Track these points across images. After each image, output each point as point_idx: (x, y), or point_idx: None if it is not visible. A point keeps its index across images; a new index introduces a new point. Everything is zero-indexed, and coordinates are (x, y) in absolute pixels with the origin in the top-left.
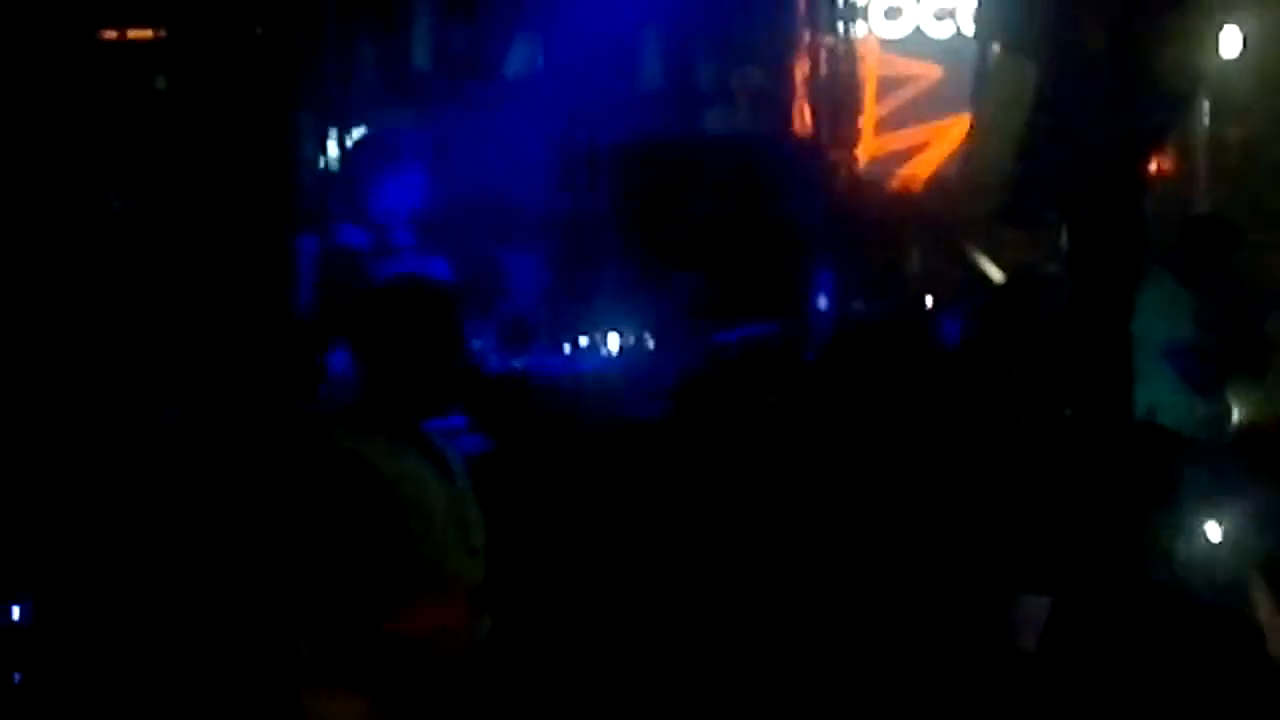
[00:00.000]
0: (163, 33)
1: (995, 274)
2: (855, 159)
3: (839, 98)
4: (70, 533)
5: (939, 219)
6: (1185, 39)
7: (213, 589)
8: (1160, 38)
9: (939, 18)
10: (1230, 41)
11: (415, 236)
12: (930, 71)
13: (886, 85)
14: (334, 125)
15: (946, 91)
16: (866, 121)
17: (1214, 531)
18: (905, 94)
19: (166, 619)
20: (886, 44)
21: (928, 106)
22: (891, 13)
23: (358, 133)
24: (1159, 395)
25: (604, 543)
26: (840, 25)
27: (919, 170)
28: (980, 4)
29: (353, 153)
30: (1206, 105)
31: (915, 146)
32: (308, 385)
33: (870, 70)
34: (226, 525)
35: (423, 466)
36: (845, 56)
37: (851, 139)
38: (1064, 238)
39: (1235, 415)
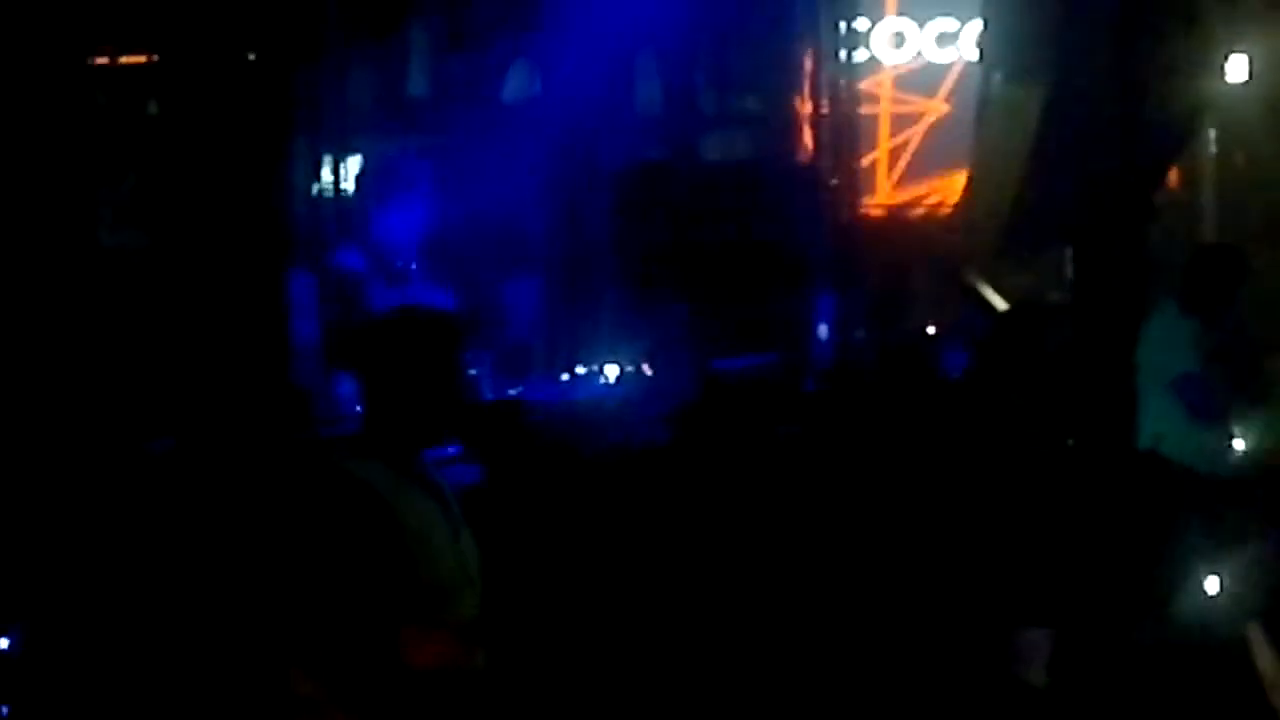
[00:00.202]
0: (155, 58)
1: (998, 303)
2: (857, 186)
3: (841, 125)
4: (63, 563)
5: (942, 247)
6: (1190, 66)
7: (211, 617)
8: (1165, 65)
9: (942, 44)
10: (1237, 68)
11: (415, 263)
12: (938, 107)
13: (898, 123)
14: (329, 152)
15: (954, 126)
16: (880, 163)
17: (1214, 577)
18: (915, 131)
19: (161, 648)
20: (897, 80)
21: (938, 145)
22: (895, 39)
23: (354, 160)
24: (1164, 425)
25: (601, 571)
26: (843, 52)
27: (927, 202)
28: (983, 31)
29: (356, 181)
30: (1213, 132)
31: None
32: (303, 412)
33: (884, 110)
34: (228, 554)
35: (425, 498)
36: (848, 84)
37: (853, 166)
38: (1068, 266)
39: (1239, 445)
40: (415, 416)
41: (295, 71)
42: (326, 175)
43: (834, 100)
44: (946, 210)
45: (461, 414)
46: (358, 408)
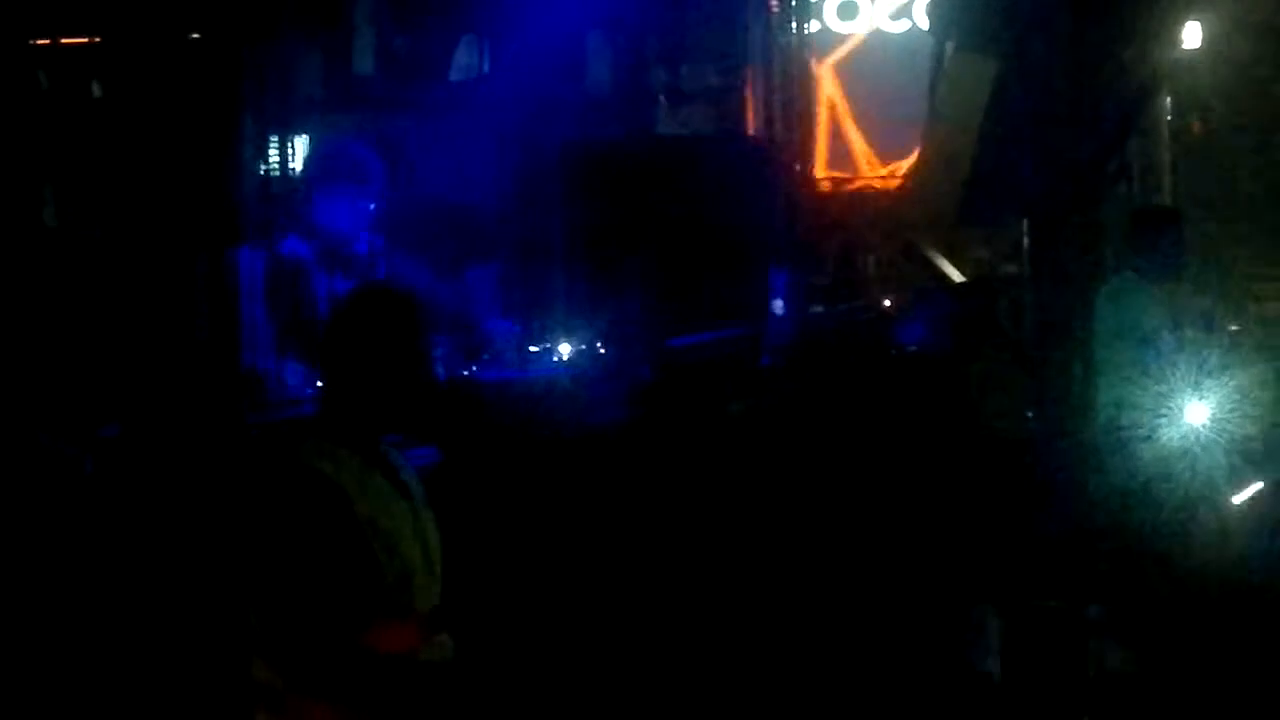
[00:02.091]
0: (98, 39)
1: (954, 275)
2: (811, 160)
3: (793, 99)
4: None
5: (897, 221)
6: (1146, 34)
7: (168, 606)
8: (1121, 33)
9: (895, 16)
10: (1192, 35)
11: (365, 243)
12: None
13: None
14: (276, 132)
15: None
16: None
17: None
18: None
19: (119, 640)
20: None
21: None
22: (846, 10)
23: (301, 140)
24: (1124, 391)
25: (561, 552)
26: (794, 24)
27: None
28: (936, 2)
29: (304, 161)
30: (1169, 100)
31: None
32: (255, 395)
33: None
34: (183, 544)
35: (387, 486)
36: (799, 56)
37: (807, 140)
38: (1023, 238)
39: (1203, 415)
40: (380, 401)
41: (241, 51)
42: (274, 156)
43: (786, 74)
44: (901, 183)
45: (425, 398)
46: (308, 391)
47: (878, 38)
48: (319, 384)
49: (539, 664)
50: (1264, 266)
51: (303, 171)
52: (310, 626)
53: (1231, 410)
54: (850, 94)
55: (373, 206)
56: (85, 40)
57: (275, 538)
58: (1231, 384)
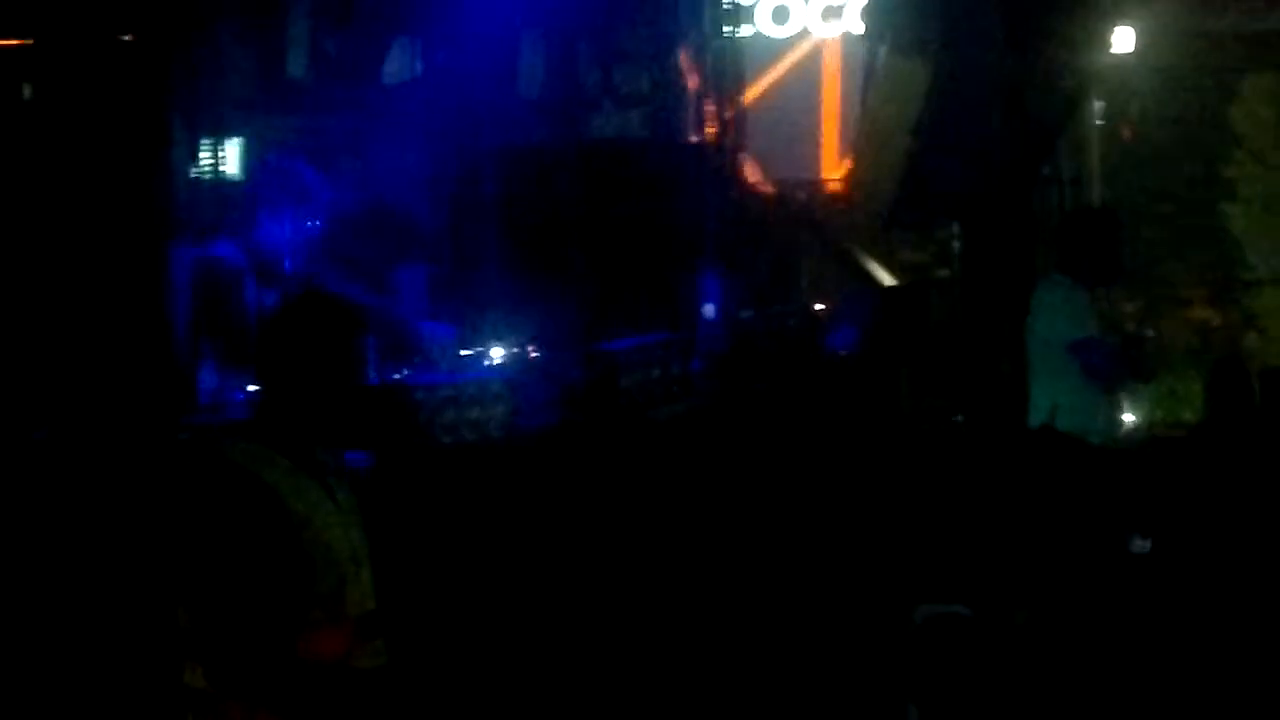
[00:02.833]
0: (29, 41)
1: (886, 279)
2: (743, 164)
3: (725, 102)
4: None
5: (829, 224)
6: (1076, 38)
7: (101, 611)
8: (1052, 37)
9: (826, 18)
10: (1123, 39)
11: (298, 248)
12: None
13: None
14: (208, 134)
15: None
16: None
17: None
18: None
19: (50, 645)
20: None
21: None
22: (779, 14)
23: (233, 142)
24: (1060, 397)
25: (492, 557)
26: (726, 28)
27: (813, 179)
28: (869, 5)
29: (236, 163)
30: (1099, 104)
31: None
32: (186, 397)
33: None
34: (114, 548)
35: (319, 490)
36: (732, 59)
37: (739, 144)
38: (955, 241)
39: (1132, 418)
40: (312, 406)
41: (171, 53)
42: (205, 158)
43: (718, 77)
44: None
45: (359, 404)
46: (234, 394)
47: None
48: (252, 388)
49: (472, 669)
50: (1193, 271)
51: (236, 170)
52: (242, 631)
53: (1159, 413)
54: (786, 98)
55: (303, 210)
56: (16, 42)
57: (208, 541)
58: (1160, 388)
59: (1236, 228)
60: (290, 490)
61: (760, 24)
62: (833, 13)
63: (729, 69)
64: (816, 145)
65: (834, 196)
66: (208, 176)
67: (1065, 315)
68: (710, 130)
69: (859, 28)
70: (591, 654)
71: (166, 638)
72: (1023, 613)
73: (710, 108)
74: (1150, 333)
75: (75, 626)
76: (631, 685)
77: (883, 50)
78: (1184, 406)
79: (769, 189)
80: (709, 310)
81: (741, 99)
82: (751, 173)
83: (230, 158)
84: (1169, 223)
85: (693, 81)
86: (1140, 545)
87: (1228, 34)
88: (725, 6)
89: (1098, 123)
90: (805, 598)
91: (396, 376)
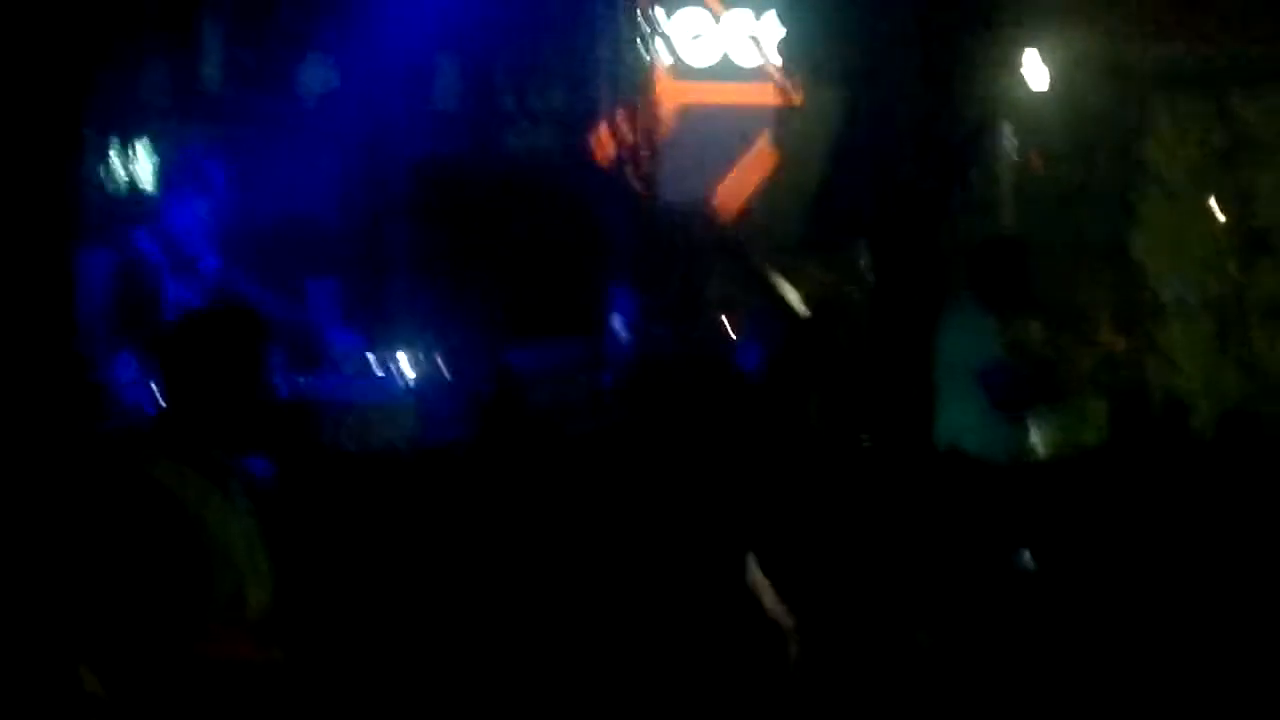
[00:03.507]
0: None
1: (795, 300)
2: (655, 183)
3: (640, 121)
4: None
5: (741, 245)
6: (988, 67)
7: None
8: (963, 66)
9: (743, 44)
10: (1034, 68)
11: (209, 257)
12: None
13: (693, 114)
14: (122, 142)
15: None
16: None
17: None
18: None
19: None
20: (694, 71)
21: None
22: (696, 38)
23: (147, 151)
24: (966, 420)
25: (392, 568)
26: (642, 49)
27: (725, 199)
28: (786, 33)
29: (149, 172)
30: (1010, 132)
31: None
32: (94, 402)
33: (675, 99)
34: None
35: (221, 496)
36: (646, 80)
37: (652, 163)
38: (865, 264)
39: (1037, 442)
40: (217, 414)
41: (86, 60)
42: (118, 166)
43: (634, 97)
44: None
45: (262, 412)
46: (144, 400)
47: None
48: (158, 395)
49: (371, 677)
50: (1099, 298)
51: (149, 180)
52: (138, 633)
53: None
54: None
55: (218, 216)
56: None
57: (108, 545)
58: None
59: (1142, 254)
60: (189, 494)
61: (678, 47)
62: (751, 39)
63: (645, 89)
64: (730, 165)
65: (746, 216)
66: (123, 181)
67: (973, 340)
68: (624, 147)
69: (777, 58)
70: (487, 656)
71: (63, 643)
72: (925, 634)
73: (624, 126)
74: (1056, 359)
75: None
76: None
77: (797, 77)
78: (1088, 430)
79: (681, 207)
80: (619, 325)
81: (657, 118)
82: (664, 191)
83: (144, 163)
84: (1077, 251)
85: (608, 100)
86: (1027, 561)
87: (1140, 66)
88: (643, 29)
89: (1009, 153)
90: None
91: (303, 384)
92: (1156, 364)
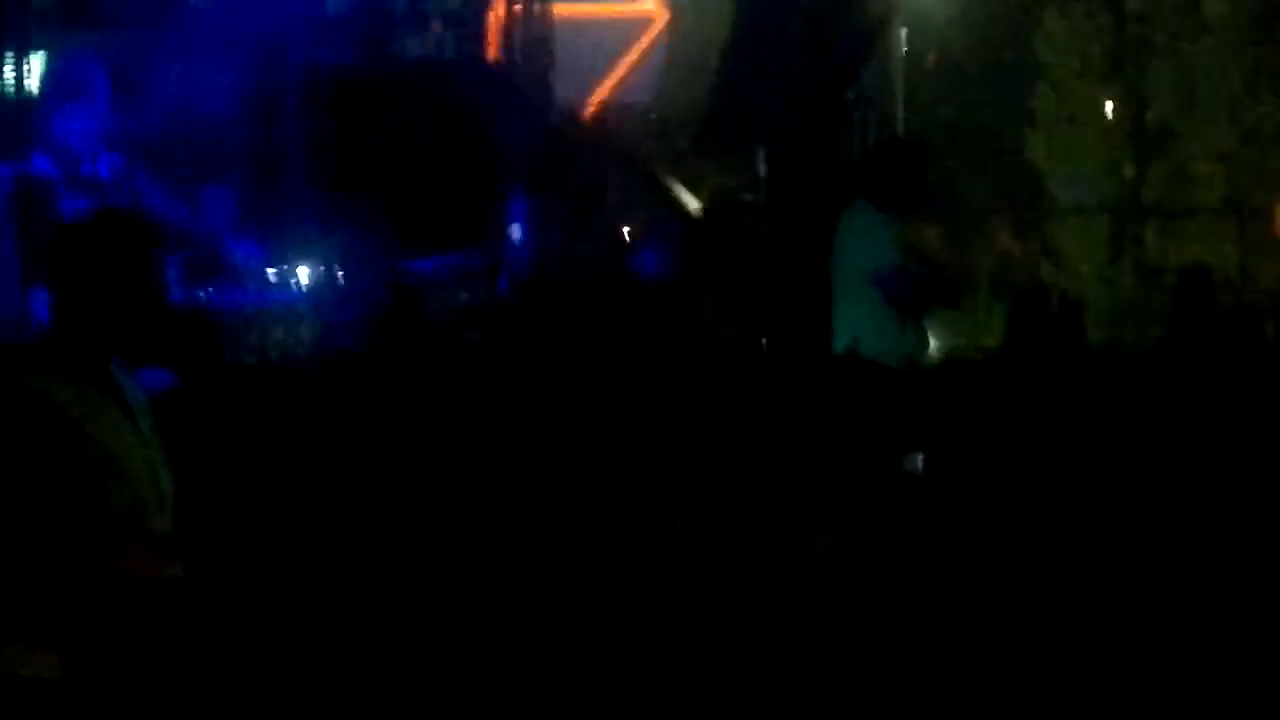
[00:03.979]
0: None
1: (692, 205)
2: (550, 88)
3: (535, 25)
4: None
5: (636, 150)
6: None
7: None
8: None
9: None
10: None
11: (103, 166)
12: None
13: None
14: (10, 50)
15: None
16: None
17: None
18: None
19: None
20: None
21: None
22: None
23: (36, 58)
24: (863, 324)
25: (294, 481)
26: None
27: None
28: None
29: (39, 80)
30: (904, 32)
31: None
32: None
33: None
34: None
35: (116, 410)
36: None
37: (549, 67)
38: (761, 167)
39: (933, 345)
40: (108, 325)
41: None
42: (8, 75)
43: (527, 1)
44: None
45: (156, 322)
46: (45, 316)
47: None
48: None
49: (274, 593)
50: (996, 199)
51: (39, 88)
52: (26, 553)
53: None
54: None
55: (99, 124)
56: None
57: None
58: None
59: (1038, 157)
60: (84, 411)
61: None
62: None
63: None
64: (628, 70)
65: (643, 121)
66: (10, 92)
67: (870, 243)
68: (519, 52)
69: None
70: (396, 579)
71: None
72: (825, 539)
73: (519, 30)
74: (952, 260)
75: None
76: (434, 606)
77: None
78: (985, 332)
79: (578, 112)
80: (515, 233)
81: (552, 23)
82: (561, 96)
83: (34, 73)
84: (973, 150)
85: (503, 4)
86: (914, 464)
87: None
88: None
89: (903, 50)
90: (607, 521)
91: (201, 295)
92: (1050, 266)
